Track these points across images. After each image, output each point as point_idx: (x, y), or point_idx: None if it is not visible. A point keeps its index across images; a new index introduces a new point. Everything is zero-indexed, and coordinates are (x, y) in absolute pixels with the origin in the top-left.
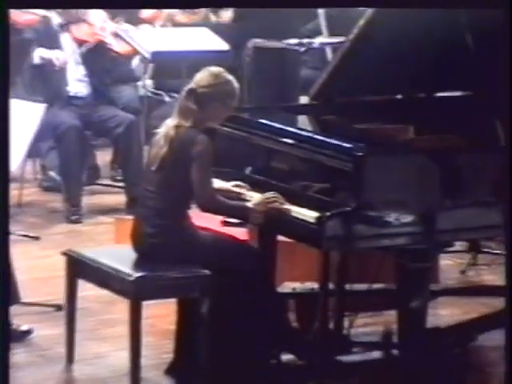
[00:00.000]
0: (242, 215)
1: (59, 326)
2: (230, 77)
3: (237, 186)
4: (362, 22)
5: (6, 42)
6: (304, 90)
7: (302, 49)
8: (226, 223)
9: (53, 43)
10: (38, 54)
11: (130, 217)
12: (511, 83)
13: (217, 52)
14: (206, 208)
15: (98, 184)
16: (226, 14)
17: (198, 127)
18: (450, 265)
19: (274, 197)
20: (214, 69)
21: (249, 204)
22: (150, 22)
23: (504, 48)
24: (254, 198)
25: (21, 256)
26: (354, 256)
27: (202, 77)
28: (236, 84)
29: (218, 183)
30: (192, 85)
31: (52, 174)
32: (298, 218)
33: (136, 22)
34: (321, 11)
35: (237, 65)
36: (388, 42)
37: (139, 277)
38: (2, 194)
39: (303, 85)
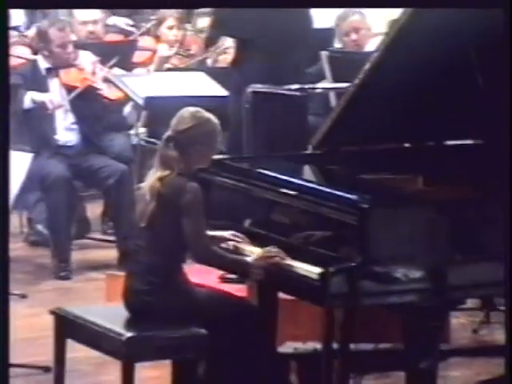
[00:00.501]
0: (241, 270)
1: None
2: (209, 115)
3: (234, 235)
4: (367, 66)
5: (6, 43)
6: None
7: (303, 94)
8: (223, 279)
9: (40, 88)
10: (30, 97)
11: (122, 273)
12: (511, 85)
13: (214, 98)
14: (201, 260)
15: (89, 238)
16: (225, 58)
17: (185, 174)
18: (461, 323)
19: (274, 251)
20: (191, 109)
21: (248, 259)
22: (142, 65)
23: (504, 48)
24: (253, 252)
25: None
26: (360, 314)
27: (178, 121)
28: (216, 121)
29: (213, 232)
30: (170, 132)
31: (39, 227)
32: (300, 274)
33: (129, 66)
34: (324, 54)
35: (236, 112)
36: (395, 88)
37: (131, 337)
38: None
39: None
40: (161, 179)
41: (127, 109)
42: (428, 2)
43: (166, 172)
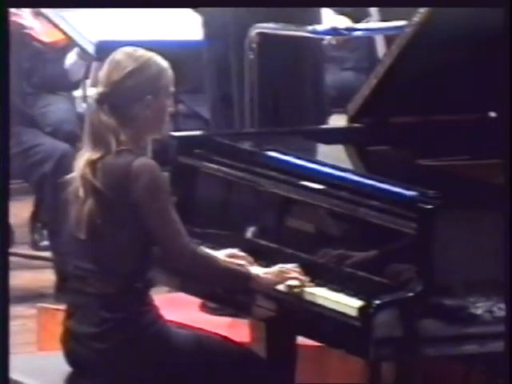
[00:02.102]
0: (237, 288)
1: None
2: (152, 54)
3: (232, 256)
4: None
5: (6, 42)
6: (338, 104)
7: (336, 38)
8: (205, 308)
9: None
10: None
11: (61, 307)
12: (511, 83)
13: (202, 43)
14: (186, 267)
15: (12, 254)
16: None
17: (130, 150)
18: None
19: (293, 271)
20: (125, 50)
21: (255, 272)
22: None
23: (504, 48)
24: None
25: None
26: (421, 370)
27: (111, 68)
28: (164, 62)
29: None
30: (100, 87)
31: None
32: (329, 309)
33: None
34: None
35: (235, 63)
36: (470, 28)
37: None
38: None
39: (337, 96)
40: (92, 164)
41: (70, 58)
42: (428, 1)
43: (100, 152)
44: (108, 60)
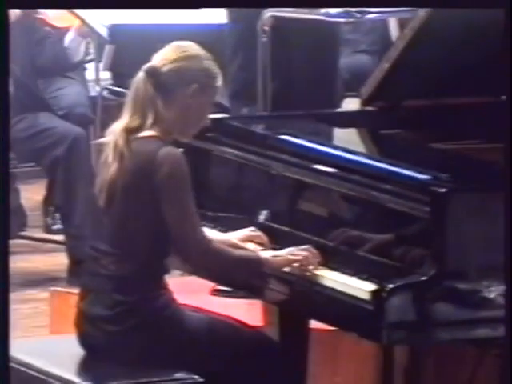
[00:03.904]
0: (251, 275)
1: None
2: (205, 52)
3: (248, 238)
4: None
5: (6, 43)
6: (351, 87)
7: (350, 20)
8: (217, 291)
9: None
10: None
11: (75, 290)
12: (511, 83)
13: (215, 26)
14: (198, 262)
15: (24, 237)
16: None
17: (161, 138)
18: None
19: (306, 254)
20: (185, 42)
21: (264, 255)
22: None
23: (504, 48)
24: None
25: None
26: (434, 354)
27: (168, 50)
28: (215, 65)
29: (215, 235)
30: (153, 62)
31: None
32: (342, 293)
33: None
34: None
35: (247, 47)
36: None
37: None
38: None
39: (350, 79)
40: (127, 132)
41: (69, 36)
42: (427, 2)
43: (136, 122)
44: (169, 44)
